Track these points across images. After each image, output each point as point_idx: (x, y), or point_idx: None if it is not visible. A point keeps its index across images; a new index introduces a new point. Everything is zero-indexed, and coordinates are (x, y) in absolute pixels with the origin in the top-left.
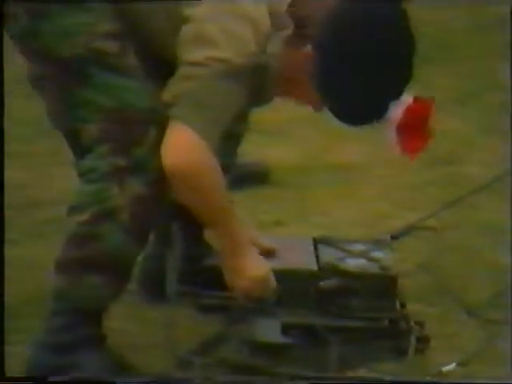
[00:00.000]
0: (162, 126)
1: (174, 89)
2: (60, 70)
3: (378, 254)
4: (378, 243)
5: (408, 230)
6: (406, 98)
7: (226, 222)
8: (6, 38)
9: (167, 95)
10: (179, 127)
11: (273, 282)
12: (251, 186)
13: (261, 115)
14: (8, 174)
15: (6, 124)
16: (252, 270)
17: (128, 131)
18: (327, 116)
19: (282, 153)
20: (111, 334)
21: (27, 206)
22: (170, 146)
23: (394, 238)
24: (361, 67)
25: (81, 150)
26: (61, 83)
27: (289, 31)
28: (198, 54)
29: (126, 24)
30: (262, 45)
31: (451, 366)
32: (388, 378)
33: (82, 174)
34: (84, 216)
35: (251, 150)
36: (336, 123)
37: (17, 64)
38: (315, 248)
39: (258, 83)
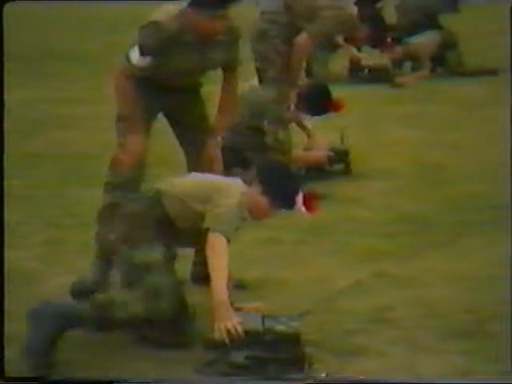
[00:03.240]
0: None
1: (210, 220)
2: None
3: (293, 323)
4: (293, 318)
5: (307, 312)
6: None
7: (217, 287)
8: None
9: (207, 223)
10: (215, 235)
11: (239, 329)
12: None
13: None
14: None
15: None
16: (220, 320)
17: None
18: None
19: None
20: None
21: None
22: (214, 243)
23: (302, 315)
24: (287, 183)
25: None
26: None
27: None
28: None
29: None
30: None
31: (324, 374)
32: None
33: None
34: None
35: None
36: None
37: None
38: (262, 319)
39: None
